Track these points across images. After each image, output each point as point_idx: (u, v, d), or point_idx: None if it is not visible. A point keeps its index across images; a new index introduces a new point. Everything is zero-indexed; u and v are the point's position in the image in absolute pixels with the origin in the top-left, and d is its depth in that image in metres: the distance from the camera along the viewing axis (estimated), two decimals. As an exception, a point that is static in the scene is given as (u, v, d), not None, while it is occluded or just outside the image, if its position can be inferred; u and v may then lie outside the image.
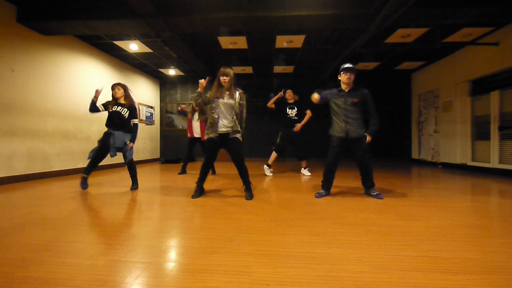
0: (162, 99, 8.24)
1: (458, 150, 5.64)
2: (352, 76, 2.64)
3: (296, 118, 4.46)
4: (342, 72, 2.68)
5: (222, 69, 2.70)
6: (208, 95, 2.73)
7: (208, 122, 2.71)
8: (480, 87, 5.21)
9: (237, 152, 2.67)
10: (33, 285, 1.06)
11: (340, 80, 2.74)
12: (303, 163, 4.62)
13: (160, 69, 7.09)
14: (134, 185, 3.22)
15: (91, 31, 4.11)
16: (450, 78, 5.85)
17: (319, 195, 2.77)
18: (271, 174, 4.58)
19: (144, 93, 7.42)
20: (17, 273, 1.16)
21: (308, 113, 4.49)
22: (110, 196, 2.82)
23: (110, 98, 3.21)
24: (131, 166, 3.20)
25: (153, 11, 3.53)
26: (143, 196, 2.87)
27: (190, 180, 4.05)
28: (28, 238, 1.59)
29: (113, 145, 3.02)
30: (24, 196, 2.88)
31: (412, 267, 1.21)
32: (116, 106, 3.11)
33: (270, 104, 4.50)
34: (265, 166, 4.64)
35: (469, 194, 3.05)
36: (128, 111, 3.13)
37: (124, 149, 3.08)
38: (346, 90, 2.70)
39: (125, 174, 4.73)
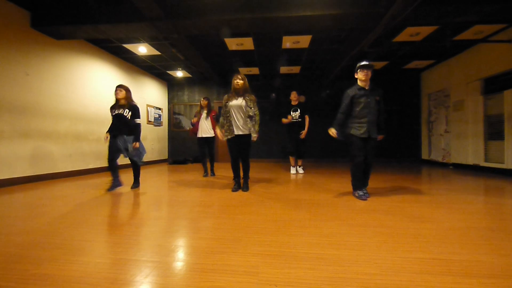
0: (170, 101, 8.35)
1: (470, 151, 5.50)
2: (370, 73, 2.61)
3: (299, 120, 4.55)
4: (359, 70, 2.64)
5: (235, 76, 3.04)
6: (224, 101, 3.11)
7: (226, 126, 3.06)
8: (493, 85, 5.07)
9: (245, 150, 3.09)
10: (47, 282, 1.10)
11: (357, 79, 2.70)
12: (299, 161, 4.89)
13: (167, 71, 7.19)
14: (136, 183, 3.36)
15: (101, 35, 4.21)
16: (461, 77, 5.71)
17: (363, 197, 2.63)
18: (295, 172, 4.86)
19: (152, 95, 7.53)
20: (32, 270, 1.20)
21: (307, 118, 4.57)
22: (120, 196, 2.87)
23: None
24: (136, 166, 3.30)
25: (161, 14, 3.59)
26: (152, 196, 2.91)
27: (198, 181, 4.08)
28: (41, 236, 1.64)
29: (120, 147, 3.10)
30: (37, 196, 2.96)
31: (423, 269, 1.19)
32: (118, 109, 3.13)
33: (285, 121, 4.64)
34: (291, 168, 4.90)
35: (482, 195, 2.96)
36: (130, 112, 3.13)
37: (129, 152, 3.11)
38: (367, 88, 2.65)
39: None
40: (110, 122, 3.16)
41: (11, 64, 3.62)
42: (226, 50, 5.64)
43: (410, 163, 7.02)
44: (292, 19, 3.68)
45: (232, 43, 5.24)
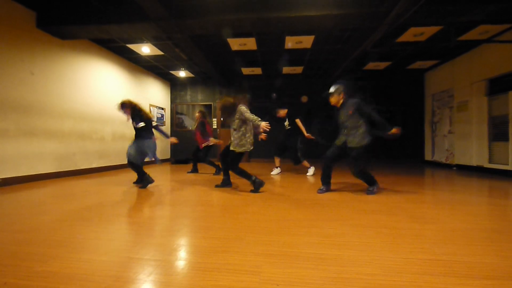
0: (172, 101, 8.38)
1: (474, 152, 5.45)
2: (333, 99, 2.95)
3: (290, 127, 4.88)
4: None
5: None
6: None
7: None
8: (498, 86, 5.02)
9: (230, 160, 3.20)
10: (52, 279, 1.11)
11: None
12: (306, 164, 5.04)
13: (170, 71, 7.22)
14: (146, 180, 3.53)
15: (105, 35, 4.24)
16: (466, 77, 5.67)
17: (320, 191, 3.01)
18: (277, 173, 5.04)
19: (155, 94, 7.57)
20: (37, 267, 1.21)
21: (298, 122, 4.80)
22: (123, 195, 2.90)
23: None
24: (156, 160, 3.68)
25: (165, 14, 3.60)
26: (154, 195, 2.93)
27: (200, 180, 4.10)
28: (46, 234, 1.66)
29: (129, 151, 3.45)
30: (41, 194, 2.99)
31: (425, 270, 1.19)
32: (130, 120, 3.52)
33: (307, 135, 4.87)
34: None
35: (486, 197, 2.94)
36: (131, 119, 3.42)
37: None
38: (338, 106, 2.98)
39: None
40: (113, 122, 3.34)
41: (17, 64, 3.66)
42: (229, 50, 5.65)
43: (413, 164, 6.97)
44: (295, 19, 3.68)
45: (235, 43, 5.25)
